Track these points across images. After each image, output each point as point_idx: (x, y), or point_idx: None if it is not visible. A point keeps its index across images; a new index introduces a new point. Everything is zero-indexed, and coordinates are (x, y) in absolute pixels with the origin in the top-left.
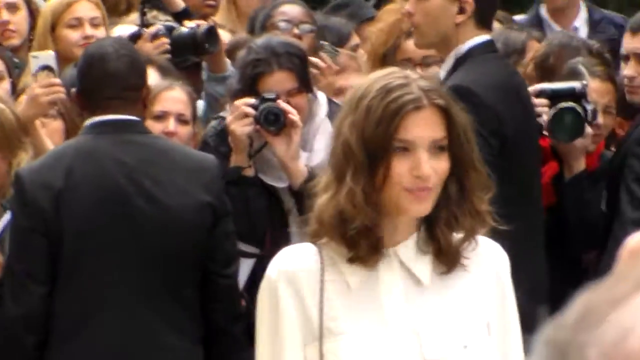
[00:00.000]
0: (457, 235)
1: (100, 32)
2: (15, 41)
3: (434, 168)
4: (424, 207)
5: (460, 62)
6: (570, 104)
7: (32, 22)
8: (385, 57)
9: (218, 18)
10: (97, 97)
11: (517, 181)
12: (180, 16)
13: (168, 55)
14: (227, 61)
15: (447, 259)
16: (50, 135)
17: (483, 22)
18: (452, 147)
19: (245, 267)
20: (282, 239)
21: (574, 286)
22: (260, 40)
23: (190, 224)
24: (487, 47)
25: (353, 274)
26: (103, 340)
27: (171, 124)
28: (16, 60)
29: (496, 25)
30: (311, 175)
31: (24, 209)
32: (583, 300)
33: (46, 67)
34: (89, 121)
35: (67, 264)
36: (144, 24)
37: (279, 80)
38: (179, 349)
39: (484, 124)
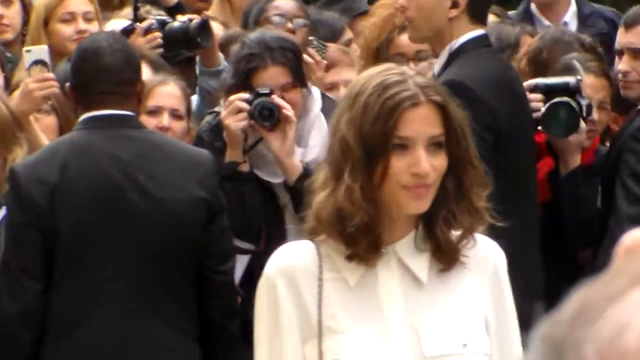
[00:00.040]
0: (456, 233)
1: (93, 27)
2: (9, 35)
3: (432, 165)
4: (423, 204)
5: (454, 56)
6: (564, 98)
7: (25, 17)
8: (378, 52)
9: (211, 13)
10: (91, 91)
11: (512, 177)
12: (174, 11)
13: (160, 50)
14: (221, 55)
15: (445, 256)
16: (44, 130)
17: (477, 16)
18: (449, 144)
19: (240, 264)
20: (277, 235)
21: (569, 283)
22: (253, 35)
23: (184, 219)
24: (481, 42)
25: (351, 271)
26: (98, 336)
27: (165, 119)
28: (9, 54)
29: (493, 19)
30: (306, 171)
31: (19, 204)
32: (579, 296)
33: (39, 62)
34: (83, 116)
35: (62, 259)
36: (137, 19)
37: (273, 75)
38: (175, 345)
39: (478, 119)
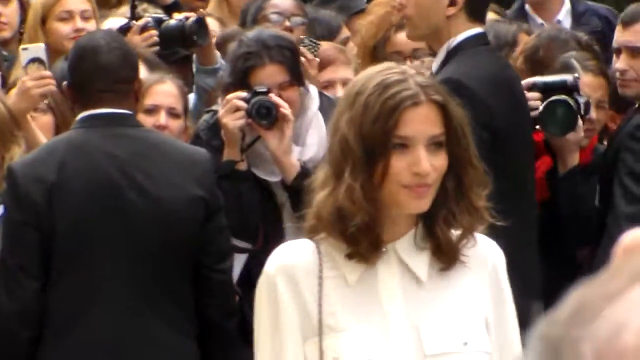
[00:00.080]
0: (455, 232)
1: (90, 25)
2: (6, 34)
3: (433, 164)
4: (423, 203)
5: (452, 54)
6: (561, 96)
7: (22, 15)
8: (375, 50)
9: (209, 11)
10: (88, 90)
11: (510, 176)
12: (171, 9)
13: (157, 48)
14: (217, 53)
15: (445, 256)
16: (40, 129)
17: (475, 14)
18: (449, 144)
19: (238, 263)
20: (275, 234)
21: (568, 282)
22: (251, 33)
23: (182, 218)
24: (479, 40)
25: (351, 269)
26: (96, 334)
27: (162, 118)
28: (5, 53)
29: (493, 16)
30: (304, 170)
31: (17, 202)
32: (577, 295)
33: (36, 60)
34: (80, 115)
35: (60, 258)
36: (135, 17)
37: (271, 74)
38: (173, 344)
39: (475, 117)
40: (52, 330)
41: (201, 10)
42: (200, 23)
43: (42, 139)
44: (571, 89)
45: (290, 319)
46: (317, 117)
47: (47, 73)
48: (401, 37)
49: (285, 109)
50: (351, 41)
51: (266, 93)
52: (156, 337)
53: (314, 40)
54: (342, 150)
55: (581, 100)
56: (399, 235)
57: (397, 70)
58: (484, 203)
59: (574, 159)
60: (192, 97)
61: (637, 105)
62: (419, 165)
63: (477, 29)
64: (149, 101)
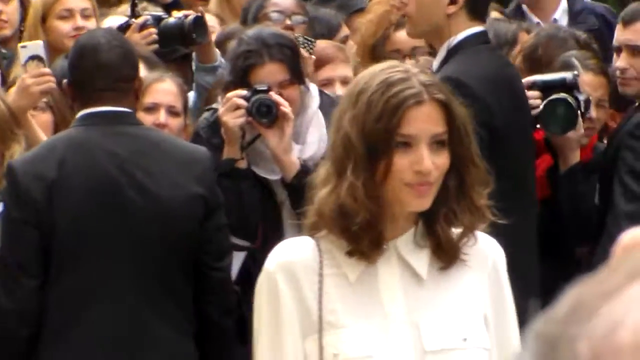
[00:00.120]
0: (456, 231)
1: (91, 24)
2: (7, 32)
3: (435, 163)
4: (425, 201)
5: (452, 53)
6: (561, 95)
7: (23, 13)
8: (374, 48)
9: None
10: (88, 88)
11: (510, 174)
12: (171, 8)
13: (156, 46)
14: (217, 51)
15: (446, 254)
16: (39, 127)
17: (476, 13)
18: (451, 142)
19: (236, 261)
20: (274, 232)
21: (566, 280)
22: (251, 32)
23: (181, 216)
24: (480, 39)
25: (352, 267)
26: (95, 333)
27: (162, 116)
28: (4, 51)
29: (496, 15)
30: (304, 168)
31: (17, 200)
32: (574, 293)
33: (35, 57)
34: (80, 113)
35: (59, 256)
36: (135, 15)
37: (271, 72)
38: (172, 342)
39: (475, 116)
40: (50, 329)
41: (200, 7)
42: (199, 21)
43: (42, 136)
44: (570, 86)
45: (290, 316)
46: (317, 116)
47: (47, 70)
48: (400, 35)
49: (286, 107)
50: (351, 39)
51: (266, 91)
52: (155, 336)
53: (309, 38)
54: (345, 148)
55: (581, 97)
56: (400, 233)
57: (401, 68)
58: (485, 202)
59: (575, 157)
60: (191, 95)
61: (637, 104)
62: (421, 164)
63: (477, 28)
64: (148, 99)
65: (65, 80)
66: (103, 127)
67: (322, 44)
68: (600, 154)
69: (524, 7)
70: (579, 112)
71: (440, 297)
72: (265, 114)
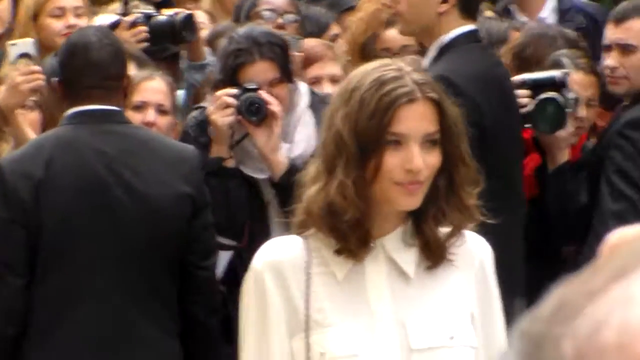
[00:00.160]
0: (444, 230)
1: (83, 22)
2: None
3: (426, 162)
4: (414, 200)
5: (443, 51)
6: (551, 94)
7: (14, 11)
8: (365, 47)
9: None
10: (77, 86)
11: (499, 173)
12: (161, 6)
13: (146, 44)
14: (205, 49)
15: (433, 253)
16: (27, 126)
17: (467, 11)
18: (443, 141)
19: (222, 260)
20: (260, 232)
21: (552, 279)
22: (241, 30)
23: (169, 215)
24: (471, 37)
25: (339, 265)
26: (81, 332)
27: (150, 115)
28: None
29: (490, 13)
30: (292, 167)
31: (4, 199)
32: (559, 292)
33: (25, 55)
34: (69, 111)
35: (46, 254)
36: (126, 14)
37: (261, 70)
38: (157, 342)
39: (464, 115)
40: (36, 328)
41: (188, 5)
42: (189, 19)
43: (31, 135)
44: (560, 85)
45: (277, 315)
46: (305, 114)
47: (37, 68)
48: (390, 33)
49: (275, 106)
50: (341, 38)
51: (256, 90)
52: (140, 336)
53: (295, 37)
54: (336, 146)
55: (570, 96)
56: (388, 232)
57: (394, 67)
58: (474, 201)
59: (563, 156)
60: (181, 93)
61: (625, 103)
62: (411, 163)
63: (469, 26)
64: (137, 98)
65: (54, 78)
66: (91, 126)
67: (311, 42)
68: (588, 152)
69: (511, 6)
70: (568, 111)
71: (427, 295)
72: (254, 112)
